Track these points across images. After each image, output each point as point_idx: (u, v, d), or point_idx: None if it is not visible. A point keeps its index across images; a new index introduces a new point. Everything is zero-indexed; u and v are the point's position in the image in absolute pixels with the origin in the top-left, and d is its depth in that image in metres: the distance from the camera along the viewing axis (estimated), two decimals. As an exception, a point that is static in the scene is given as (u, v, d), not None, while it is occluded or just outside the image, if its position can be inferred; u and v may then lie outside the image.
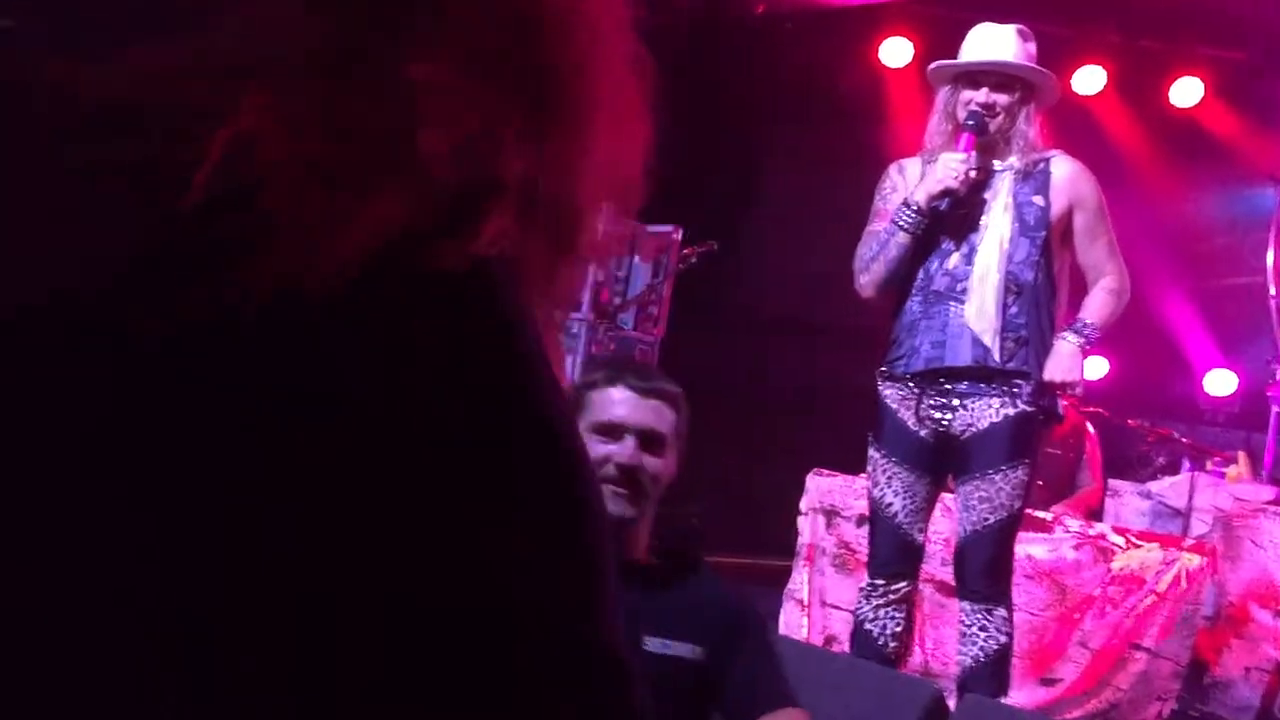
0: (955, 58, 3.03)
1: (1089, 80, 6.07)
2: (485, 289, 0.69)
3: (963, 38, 3.08)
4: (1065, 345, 2.85)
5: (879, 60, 6.38)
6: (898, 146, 5.70)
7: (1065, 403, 3.00)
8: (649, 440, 1.87)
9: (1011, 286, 2.87)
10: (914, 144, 3.17)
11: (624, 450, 1.84)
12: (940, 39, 5.86)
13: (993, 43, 2.96)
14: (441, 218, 0.68)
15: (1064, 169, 2.93)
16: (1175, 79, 6.05)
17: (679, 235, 6.69)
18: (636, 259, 6.64)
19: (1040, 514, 4.49)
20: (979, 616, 2.81)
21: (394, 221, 0.66)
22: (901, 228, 2.92)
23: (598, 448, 1.84)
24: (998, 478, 2.81)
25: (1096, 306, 2.90)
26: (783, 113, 6.94)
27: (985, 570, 2.83)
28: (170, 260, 0.60)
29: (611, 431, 1.86)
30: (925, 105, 3.18)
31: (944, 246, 2.94)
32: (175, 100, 0.64)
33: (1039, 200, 2.91)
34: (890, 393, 3.00)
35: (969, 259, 2.89)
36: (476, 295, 0.69)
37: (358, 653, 0.57)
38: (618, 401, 1.87)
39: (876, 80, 6.49)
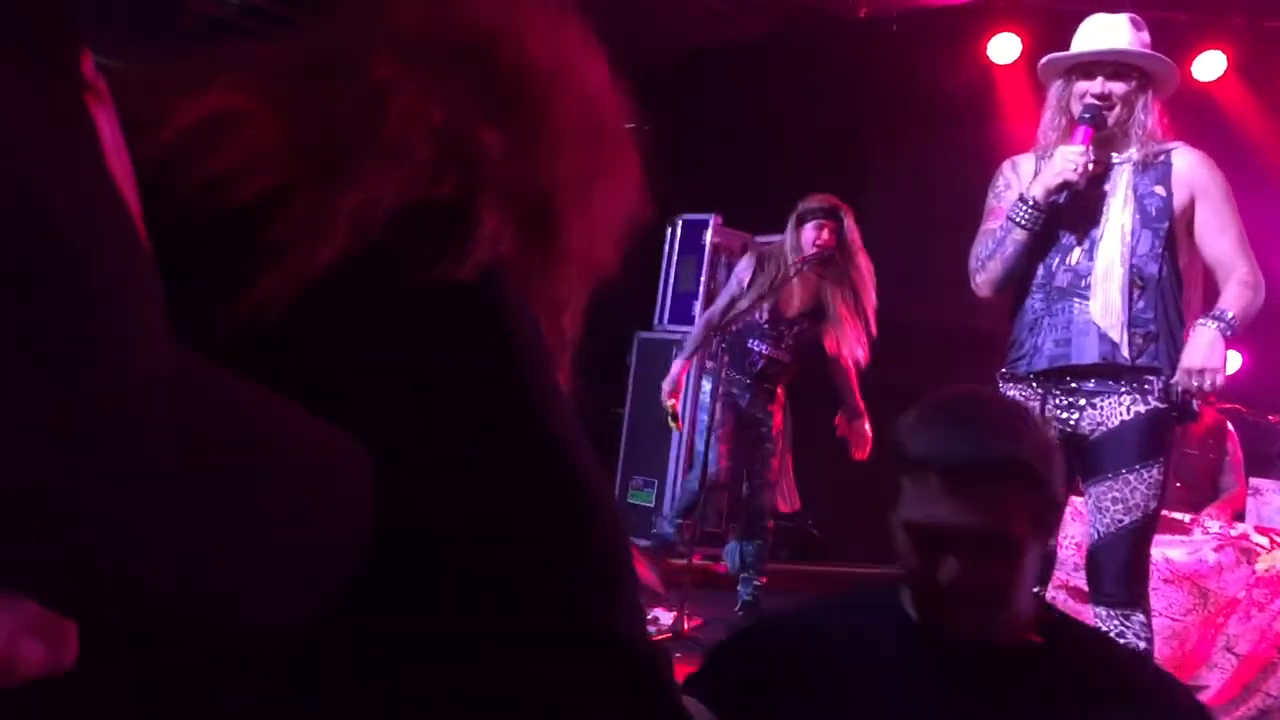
0: (1065, 51, 2.97)
1: (1209, 66, 5.86)
2: (495, 300, 0.70)
3: (1070, 30, 3.01)
4: (1205, 332, 2.72)
5: (987, 57, 6.27)
6: (1008, 144, 5.59)
7: (1199, 401, 2.88)
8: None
9: (1137, 280, 2.78)
10: (1024, 141, 3.11)
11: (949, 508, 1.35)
12: (1047, 33, 5.75)
13: (1105, 32, 2.89)
14: (441, 222, 0.69)
15: (1186, 159, 2.84)
16: (1302, 60, 5.82)
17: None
18: (748, 270, 6.63)
19: (1178, 516, 4.34)
20: (1116, 623, 2.72)
21: (384, 200, 0.67)
22: (1019, 224, 2.86)
23: (922, 506, 1.38)
24: (1131, 477, 2.72)
25: (1233, 298, 2.78)
26: (890, 114, 6.86)
27: (1121, 574, 2.74)
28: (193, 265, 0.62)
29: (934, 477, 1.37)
30: (1035, 101, 3.11)
31: (1064, 242, 2.87)
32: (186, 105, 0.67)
33: (1160, 191, 2.82)
34: (1013, 394, 2.94)
35: (1091, 254, 2.82)
36: (487, 308, 0.69)
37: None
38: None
39: (985, 78, 6.38)
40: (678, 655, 4.32)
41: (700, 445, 4.92)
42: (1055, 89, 2.92)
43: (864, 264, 4.71)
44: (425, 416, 0.65)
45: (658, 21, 6.48)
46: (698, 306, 6.49)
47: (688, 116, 7.06)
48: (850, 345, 4.74)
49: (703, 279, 6.50)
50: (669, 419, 5.06)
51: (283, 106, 0.71)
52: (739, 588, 5.00)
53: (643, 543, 5.78)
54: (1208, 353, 2.70)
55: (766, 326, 4.79)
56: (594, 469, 0.71)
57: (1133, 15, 2.92)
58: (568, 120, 0.80)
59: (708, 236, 6.52)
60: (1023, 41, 6.14)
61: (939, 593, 1.36)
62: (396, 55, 0.75)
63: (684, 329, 6.50)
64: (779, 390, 4.94)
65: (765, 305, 4.75)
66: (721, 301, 4.95)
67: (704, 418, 4.89)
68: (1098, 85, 2.84)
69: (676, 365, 4.99)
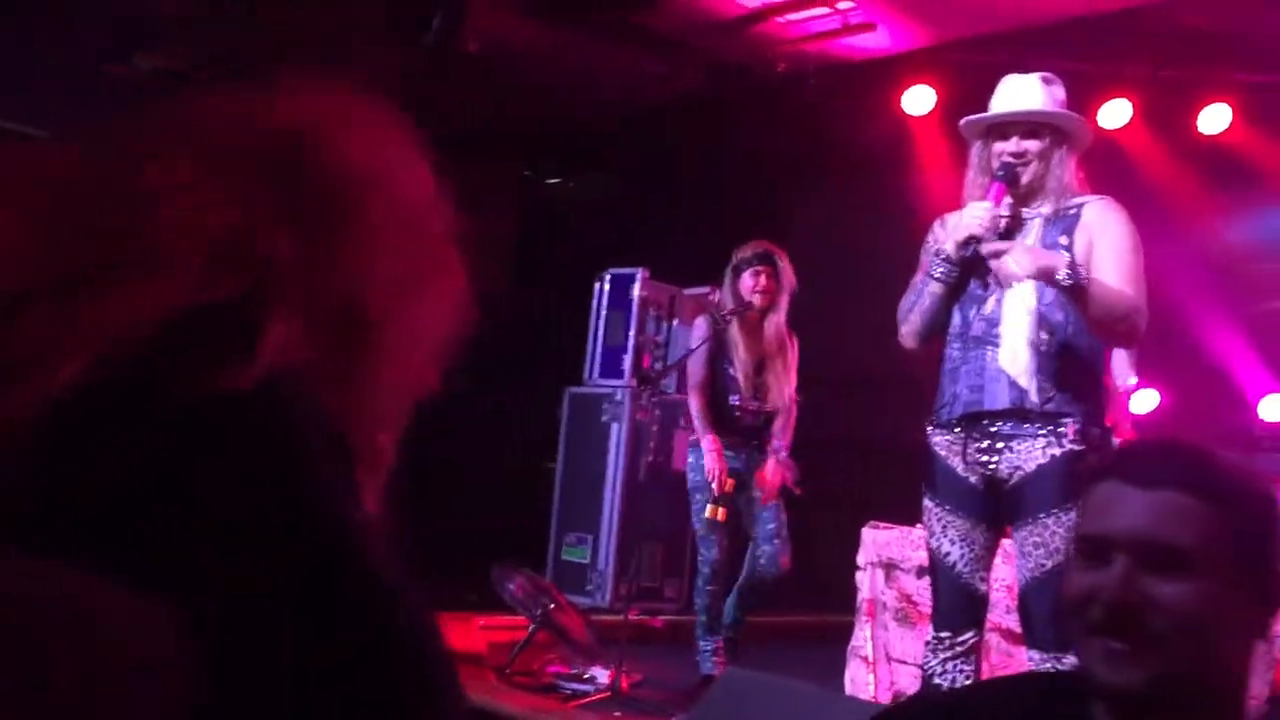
0: (979, 101, 3.06)
1: (1115, 114, 6.06)
2: (274, 409, 0.67)
3: (982, 81, 3.11)
4: (1057, 255, 2.78)
5: (901, 110, 6.42)
6: (925, 194, 5.73)
7: (1119, 440, 2.93)
8: (1155, 556, 1.16)
9: (1045, 328, 2.86)
10: (942, 190, 3.19)
11: (1110, 576, 1.17)
12: (960, 85, 5.92)
13: (1018, 93, 2.99)
14: (220, 330, 0.67)
15: (1094, 209, 2.93)
16: (1203, 106, 6.04)
17: (716, 296, 6.71)
18: (676, 322, 6.67)
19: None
20: (1049, 665, 2.75)
21: (147, 310, 0.64)
22: (934, 278, 2.95)
23: (1080, 579, 1.21)
24: (1050, 521, 2.78)
25: (1107, 283, 2.80)
26: (810, 168, 6.99)
27: (1049, 617, 2.78)
28: None
29: (1096, 551, 1.20)
30: (950, 151, 3.21)
31: (978, 292, 2.96)
32: None
33: (1064, 240, 2.91)
34: (939, 440, 2.99)
35: (1001, 303, 2.89)
36: (264, 416, 0.66)
37: None
38: (1106, 504, 1.20)
39: (901, 129, 6.53)
40: (616, 714, 4.29)
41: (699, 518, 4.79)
42: (976, 149, 3.02)
43: (783, 310, 4.79)
44: (185, 534, 0.62)
45: (581, 84, 6.55)
46: (627, 360, 6.51)
47: (616, 174, 7.12)
48: (790, 386, 4.78)
49: (631, 332, 6.52)
50: (716, 509, 4.69)
51: (32, 214, 0.68)
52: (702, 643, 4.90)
53: (579, 600, 5.74)
54: (1042, 254, 2.75)
55: (744, 382, 4.77)
56: (385, 561, 0.68)
57: (1045, 74, 3.03)
58: (382, 227, 0.77)
59: (635, 290, 6.55)
60: (937, 94, 6.30)
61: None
62: (193, 157, 0.72)
63: (613, 383, 6.51)
64: (767, 444, 4.81)
65: (738, 363, 4.76)
66: (701, 370, 4.83)
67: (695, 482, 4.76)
68: (1013, 144, 2.93)
69: (708, 445, 4.71)
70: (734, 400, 4.78)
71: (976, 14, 5.72)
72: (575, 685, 4.51)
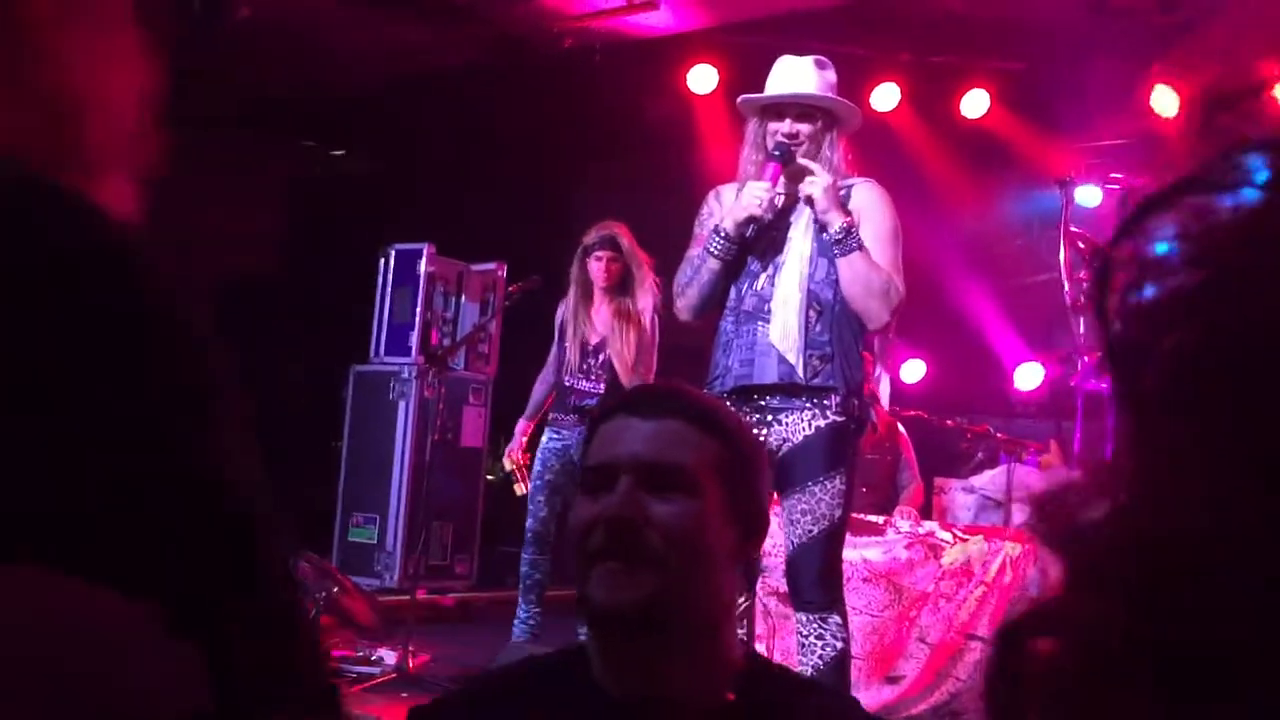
0: (760, 82, 3.14)
1: (884, 97, 6.33)
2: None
3: (763, 61, 3.19)
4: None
5: (686, 88, 6.53)
6: (708, 171, 5.86)
7: (875, 412, 3.07)
8: (655, 476, 1.22)
9: (814, 305, 2.97)
10: (724, 167, 3.26)
11: (613, 497, 1.22)
12: (742, 64, 6.06)
13: (793, 75, 3.08)
14: None
15: (862, 193, 3.05)
16: (964, 92, 6.38)
17: (504, 272, 6.68)
18: (464, 298, 6.61)
19: (871, 518, 4.64)
20: (815, 625, 2.87)
21: None
22: (712, 254, 3.01)
23: (583, 510, 1.25)
24: (816, 489, 2.90)
25: (871, 256, 2.95)
26: (596, 144, 7.02)
27: (816, 580, 2.90)
28: None
29: (601, 481, 1.24)
30: (733, 129, 3.28)
31: (753, 268, 3.03)
32: None
33: None
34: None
35: (774, 280, 2.99)
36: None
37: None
38: (613, 436, 1.26)
39: (685, 107, 6.64)
40: (404, 695, 4.24)
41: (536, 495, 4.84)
42: (751, 126, 3.10)
43: (645, 278, 4.81)
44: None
45: (362, 53, 6.38)
46: (414, 337, 6.41)
47: (398, 146, 6.98)
48: (629, 361, 4.79)
49: (418, 309, 6.42)
50: (514, 483, 5.00)
51: None
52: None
53: (368, 582, 5.64)
54: (825, 190, 2.91)
55: (577, 361, 4.78)
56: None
57: (819, 57, 3.13)
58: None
59: (422, 266, 6.45)
60: (719, 73, 6.43)
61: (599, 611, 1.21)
62: None
63: (400, 360, 6.40)
64: None
65: (572, 342, 4.78)
66: (551, 357, 4.95)
67: (538, 468, 4.84)
68: (786, 125, 3.02)
69: (519, 427, 4.99)
70: (567, 380, 4.82)
71: (756, -4, 5.87)
72: (361, 668, 4.44)
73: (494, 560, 6.43)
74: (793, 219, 3.03)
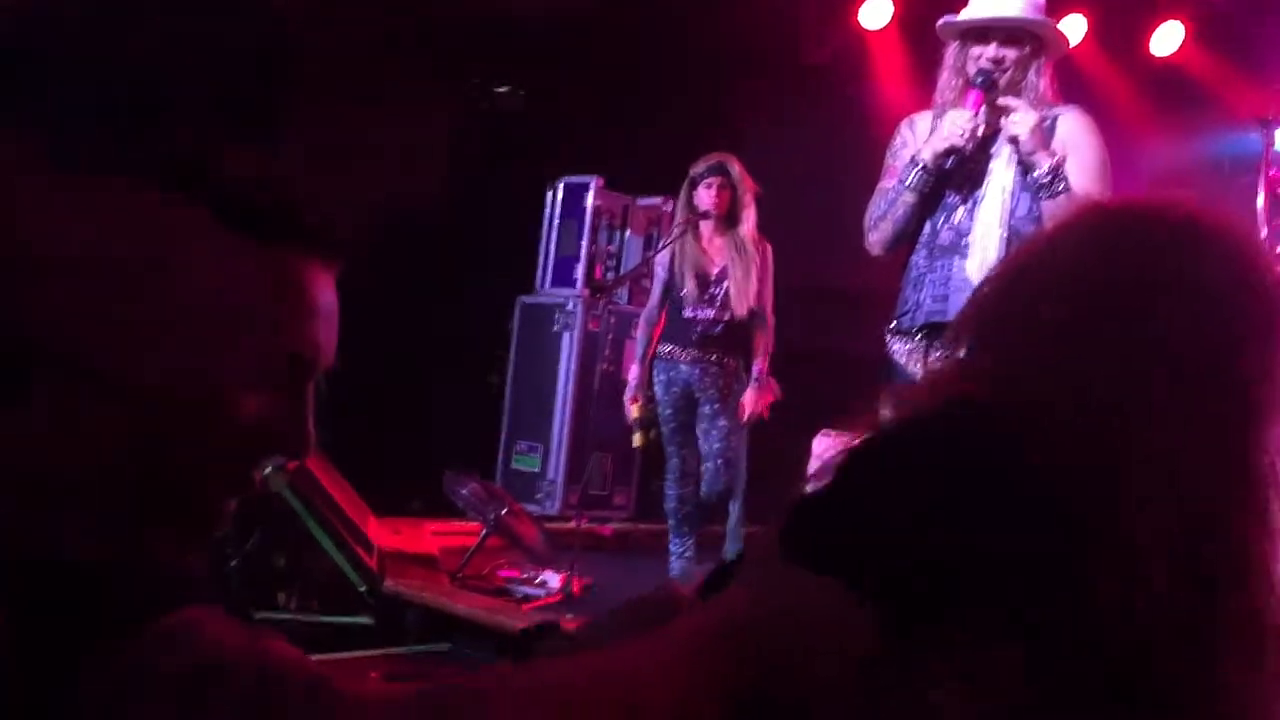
0: (934, 14, 3.04)
1: (1070, 30, 6.06)
2: None
3: (938, -1, 3.09)
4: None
5: (858, 23, 6.38)
6: (882, 104, 5.72)
7: None
8: None
9: (1015, 241, 2.88)
10: (897, 104, 3.18)
11: None
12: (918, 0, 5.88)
13: None
14: None
15: (1069, 122, 2.94)
16: (1156, 26, 6.06)
17: (669, 207, 6.67)
18: (629, 233, 6.64)
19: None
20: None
21: None
22: (909, 186, 2.94)
23: None
24: None
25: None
26: (765, 79, 6.92)
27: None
28: None
29: None
30: (906, 63, 3.19)
31: (949, 201, 2.96)
32: None
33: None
34: (898, 347, 3.03)
35: (972, 214, 2.91)
36: None
37: None
38: None
39: (859, 42, 6.49)
40: (568, 616, 4.35)
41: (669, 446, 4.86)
42: (951, 50, 3.00)
43: (749, 219, 4.77)
44: None
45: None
46: (579, 270, 6.48)
47: (566, 79, 7.02)
48: (755, 296, 4.77)
49: (584, 243, 6.48)
50: (634, 434, 4.96)
51: None
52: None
53: (530, 508, 5.79)
54: (1031, 130, 2.82)
55: (698, 292, 4.78)
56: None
57: None
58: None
59: (589, 199, 6.50)
60: (894, 6, 6.26)
61: None
62: None
63: (566, 292, 6.48)
64: (729, 361, 4.83)
65: (689, 274, 4.77)
66: (655, 294, 4.92)
67: (667, 411, 4.84)
68: (991, 50, 2.91)
69: (633, 373, 4.94)
70: (687, 312, 4.80)
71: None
72: (527, 589, 4.56)
73: (652, 493, 6.52)
74: (993, 150, 2.94)
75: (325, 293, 0.78)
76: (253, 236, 0.74)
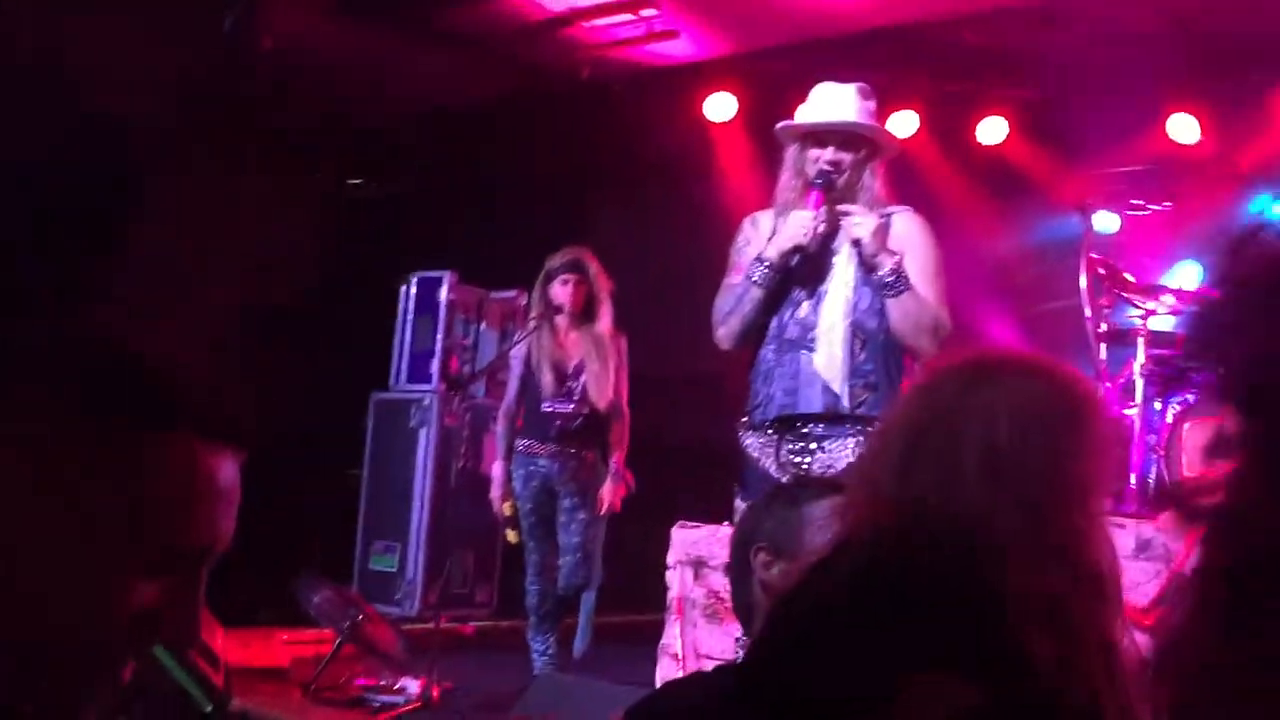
0: (777, 108, 3.16)
1: (903, 124, 6.36)
2: None
3: (781, 90, 3.22)
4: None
5: (704, 116, 6.56)
6: (727, 198, 5.87)
7: None
8: None
9: (859, 334, 2.98)
10: (742, 194, 3.28)
11: None
12: (760, 92, 6.09)
13: (836, 103, 3.09)
14: None
15: (903, 224, 3.07)
16: (981, 119, 6.40)
17: (524, 300, 6.69)
18: (484, 325, 6.62)
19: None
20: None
21: None
22: (755, 283, 3.02)
23: None
24: None
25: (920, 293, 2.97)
26: (616, 172, 7.06)
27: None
28: None
29: None
30: (751, 158, 3.31)
31: (795, 296, 3.04)
32: None
33: None
34: (751, 441, 3.07)
35: (817, 308, 3.00)
36: None
37: None
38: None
39: (703, 135, 6.67)
40: (430, 725, 4.22)
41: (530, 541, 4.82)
42: (791, 152, 3.10)
43: (605, 314, 4.80)
44: None
45: (385, 84, 6.42)
46: (435, 365, 6.41)
47: (420, 176, 7.02)
48: (612, 390, 4.78)
49: (439, 337, 6.43)
50: (506, 531, 4.95)
51: None
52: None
53: (389, 610, 5.63)
54: (873, 234, 2.93)
55: (555, 386, 4.76)
56: None
57: (861, 85, 3.14)
58: None
59: (443, 293, 6.46)
60: (738, 100, 6.46)
61: None
62: None
63: (421, 388, 6.40)
64: (588, 454, 4.83)
65: (546, 368, 4.75)
66: (512, 389, 4.92)
67: (527, 506, 4.81)
68: (829, 153, 3.03)
69: (497, 470, 4.89)
70: (545, 406, 4.79)
71: (774, 24, 5.89)
72: (384, 697, 4.42)
73: (515, 588, 6.41)
74: (835, 246, 3.05)
75: (224, 471, 0.75)
76: (139, 427, 0.70)
